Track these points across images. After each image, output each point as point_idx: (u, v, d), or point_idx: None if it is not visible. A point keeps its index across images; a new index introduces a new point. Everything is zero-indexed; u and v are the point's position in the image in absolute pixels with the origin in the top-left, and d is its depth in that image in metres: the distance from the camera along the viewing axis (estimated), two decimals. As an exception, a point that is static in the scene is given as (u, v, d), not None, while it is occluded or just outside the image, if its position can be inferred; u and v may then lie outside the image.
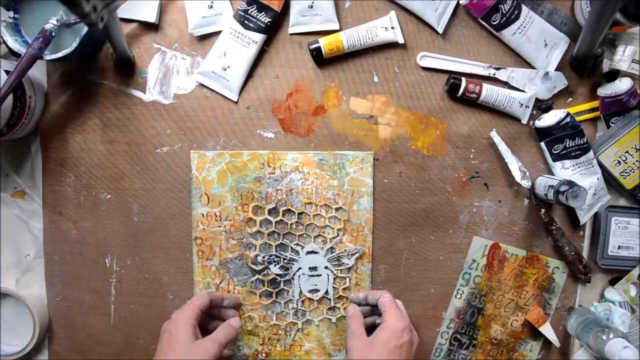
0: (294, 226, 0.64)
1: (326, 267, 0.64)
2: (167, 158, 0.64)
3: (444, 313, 0.67)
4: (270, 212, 0.63)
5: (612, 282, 0.67)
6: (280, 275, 0.64)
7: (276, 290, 0.64)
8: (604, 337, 0.58)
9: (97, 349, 0.66)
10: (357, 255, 0.64)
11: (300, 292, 0.64)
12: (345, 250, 0.64)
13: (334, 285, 0.65)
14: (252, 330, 0.65)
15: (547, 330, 0.66)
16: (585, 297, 0.68)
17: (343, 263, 0.64)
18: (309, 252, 0.64)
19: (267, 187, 0.63)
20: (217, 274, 0.64)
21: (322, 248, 0.64)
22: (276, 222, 0.64)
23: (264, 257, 0.64)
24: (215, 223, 0.64)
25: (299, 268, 0.64)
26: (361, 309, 0.62)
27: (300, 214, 0.64)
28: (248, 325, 0.65)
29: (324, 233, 0.64)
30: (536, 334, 0.67)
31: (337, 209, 0.64)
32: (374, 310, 0.62)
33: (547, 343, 0.67)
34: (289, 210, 0.64)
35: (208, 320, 0.60)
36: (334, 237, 0.64)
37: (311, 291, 0.64)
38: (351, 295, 0.64)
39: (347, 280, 0.65)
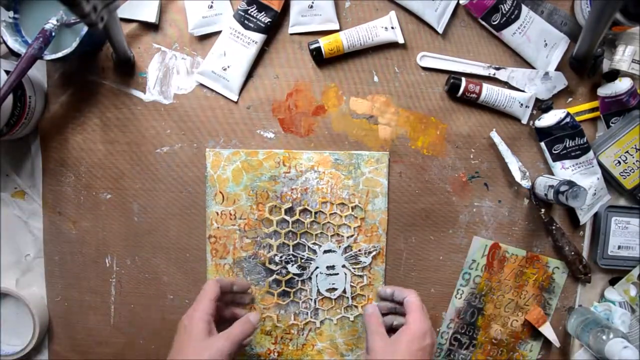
0: (310, 225, 0.64)
1: (343, 266, 0.64)
2: (167, 158, 0.64)
3: (444, 313, 0.67)
4: (287, 211, 0.63)
5: (612, 282, 0.67)
6: (297, 275, 0.64)
7: (294, 290, 0.64)
8: (604, 337, 0.58)
9: (97, 349, 0.67)
10: (374, 253, 0.64)
11: (318, 290, 0.64)
12: (362, 249, 0.64)
13: (352, 284, 0.65)
14: (266, 330, 0.65)
15: (547, 330, 0.66)
16: (585, 297, 0.68)
17: (360, 261, 0.64)
18: (326, 251, 0.64)
19: (282, 186, 0.63)
20: (231, 273, 0.64)
21: (339, 247, 0.64)
22: (293, 221, 0.64)
23: (281, 257, 0.64)
24: (230, 222, 0.64)
25: (317, 267, 0.64)
26: (381, 305, 0.62)
27: (316, 213, 0.64)
28: (266, 325, 0.65)
29: (340, 232, 0.64)
30: (536, 334, 0.67)
31: (353, 208, 0.64)
32: (395, 308, 0.62)
33: (547, 343, 0.67)
34: (305, 210, 0.64)
35: (222, 307, 0.59)
36: (350, 236, 0.64)
37: (329, 290, 0.65)
38: (379, 289, 0.64)
39: (364, 278, 0.65)
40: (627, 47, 0.61)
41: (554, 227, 0.64)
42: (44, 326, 0.64)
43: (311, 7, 0.61)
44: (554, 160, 0.64)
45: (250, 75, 0.63)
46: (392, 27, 0.62)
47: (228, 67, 0.61)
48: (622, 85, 0.61)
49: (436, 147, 0.64)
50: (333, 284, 0.65)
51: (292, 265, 0.64)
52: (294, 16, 0.62)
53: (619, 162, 0.64)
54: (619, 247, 0.65)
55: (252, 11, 0.60)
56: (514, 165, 0.63)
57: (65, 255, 0.65)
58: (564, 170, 0.64)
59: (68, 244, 0.65)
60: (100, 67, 0.63)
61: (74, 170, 0.64)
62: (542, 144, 0.64)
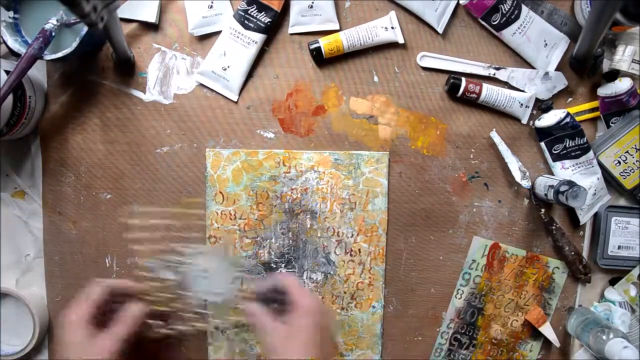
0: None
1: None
2: (167, 158, 0.64)
3: (444, 313, 0.67)
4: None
5: (612, 282, 0.67)
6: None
7: None
8: (604, 337, 0.58)
9: (97, 349, 0.66)
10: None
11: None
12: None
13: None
14: None
15: (547, 330, 0.66)
16: (585, 297, 0.68)
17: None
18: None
19: (282, 187, 0.63)
20: None
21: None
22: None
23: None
24: (230, 222, 0.64)
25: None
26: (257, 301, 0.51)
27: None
28: None
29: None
30: (536, 334, 0.67)
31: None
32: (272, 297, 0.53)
33: (547, 343, 0.67)
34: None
35: (118, 306, 0.49)
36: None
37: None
38: (253, 286, 0.51)
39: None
40: (627, 47, 0.61)
41: (554, 227, 0.64)
42: (44, 326, 0.64)
43: (311, 7, 0.61)
44: (554, 160, 0.64)
45: (250, 75, 0.63)
46: (392, 27, 0.61)
47: (228, 67, 0.61)
48: (622, 85, 0.61)
49: (436, 147, 0.64)
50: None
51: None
52: (294, 16, 0.62)
53: (619, 162, 0.64)
54: (619, 247, 0.65)
55: (252, 11, 0.60)
56: (514, 165, 0.63)
57: (65, 255, 0.65)
58: (564, 170, 0.64)
59: (68, 244, 0.65)
60: (100, 67, 0.63)
61: (74, 170, 0.64)
62: (542, 144, 0.64)
